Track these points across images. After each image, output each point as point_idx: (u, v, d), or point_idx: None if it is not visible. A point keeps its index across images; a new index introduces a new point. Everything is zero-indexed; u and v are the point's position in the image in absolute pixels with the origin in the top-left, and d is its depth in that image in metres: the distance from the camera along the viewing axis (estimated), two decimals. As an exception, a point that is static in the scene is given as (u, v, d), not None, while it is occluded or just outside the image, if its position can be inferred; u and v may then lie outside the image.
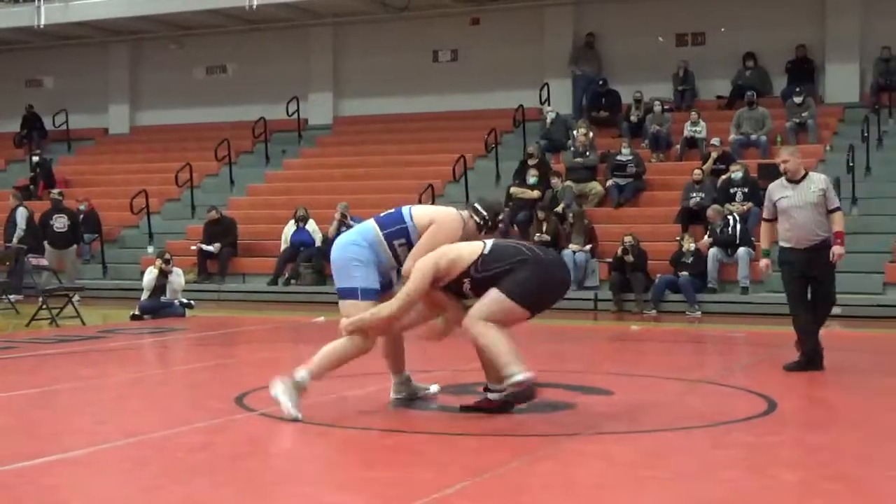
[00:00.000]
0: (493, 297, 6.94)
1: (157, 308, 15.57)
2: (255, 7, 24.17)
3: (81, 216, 21.32)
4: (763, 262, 10.23)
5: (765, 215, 10.01)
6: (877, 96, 21.36)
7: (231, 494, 5.25)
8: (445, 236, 7.13)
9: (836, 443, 6.49)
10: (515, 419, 7.25)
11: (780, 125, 20.91)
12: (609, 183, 19.96)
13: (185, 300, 15.91)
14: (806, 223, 9.52)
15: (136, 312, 15.57)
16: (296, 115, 25.60)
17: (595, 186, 20.05)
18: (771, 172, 19.27)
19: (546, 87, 23.53)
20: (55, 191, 21.47)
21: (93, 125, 28.41)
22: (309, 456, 6.09)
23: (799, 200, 9.51)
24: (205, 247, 20.36)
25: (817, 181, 9.64)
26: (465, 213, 7.41)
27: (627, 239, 17.22)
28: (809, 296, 9.84)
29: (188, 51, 27.73)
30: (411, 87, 25.32)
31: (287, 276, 19.70)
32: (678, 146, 21.15)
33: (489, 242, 7.12)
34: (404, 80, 25.41)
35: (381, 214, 7.49)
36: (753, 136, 20.43)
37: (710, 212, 17.55)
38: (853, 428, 7.02)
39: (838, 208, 9.65)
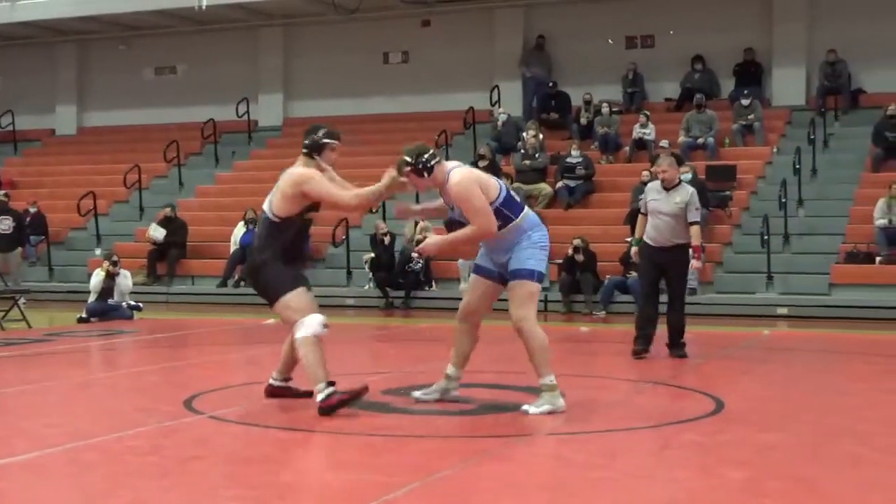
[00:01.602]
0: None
1: (105, 311, 15.43)
2: (204, 7, 23.98)
3: (28, 218, 21.09)
4: (633, 250, 11.06)
5: (641, 210, 10.92)
6: (823, 99, 21.59)
7: (179, 498, 5.21)
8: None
9: (785, 442, 6.54)
10: (465, 421, 7.26)
11: (727, 127, 21.09)
12: (559, 184, 20.03)
13: (132, 302, 15.78)
14: (665, 228, 10.46)
15: (84, 315, 15.42)
16: (245, 117, 25.49)
17: (544, 188, 20.12)
18: (719, 174, 19.53)
19: (496, 89, 23.58)
20: (0, 192, 21.22)
21: (40, 126, 28.13)
22: (257, 459, 6.05)
23: (664, 206, 10.44)
24: (154, 233, 20.27)
25: (682, 193, 10.47)
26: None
27: (577, 240, 17.29)
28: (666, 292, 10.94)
29: (137, 51, 27.51)
30: (362, 88, 25.28)
31: (236, 278, 19.59)
32: (627, 148, 21.27)
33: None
34: (355, 81, 25.36)
35: None
36: (701, 139, 20.57)
37: None
38: (802, 427, 7.08)
39: (696, 222, 10.46)
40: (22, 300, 15.57)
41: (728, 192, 19.18)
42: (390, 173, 7.35)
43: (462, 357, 7.80)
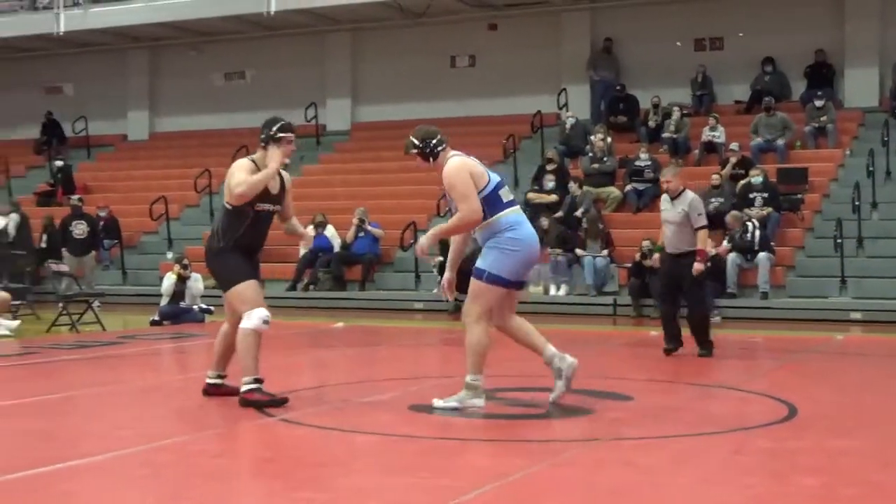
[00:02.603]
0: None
1: (177, 314, 15.61)
2: (273, 13, 24.21)
3: (102, 222, 21.39)
4: (655, 256, 11.96)
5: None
6: (896, 100, 21.27)
7: (250, 500, 5.25)
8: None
9: (858, 448, 6.44)
10: (534, 424, 7.24)
11: (798, 130, 20.83)
12: (627, 188, 19.93)
13: (204, 305, 15.94)
14: (672, 235, 11.08)
15: (156, 318, 15.61)
16: (314, 121, 25.65)
17: (613, 191, 20.03)
18: (790, 177, 19.30)
19: (564, 93, 23.49)
20: (75, 197, 21.55)
21: (112, 131, 28.52)
22: (328, 461, 6.08)
23: (670, 215, 11.04)
24: None
25: (683, 202, 10.97)
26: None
27: (646, 243, 17.17)
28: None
29: (207, 57, 27.80)
30: (429, 92, 25.32)
31: (306, 281, 19.71)
32: (696, 151, 21.08)
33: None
34: (422, 85, 25.42)
35: None
36: (777, 142, 20.32)
37: (729, 218, 17.49)
38: (875, 433, 6.98)
39: (702, 227, 10.95)
40: (96, 303, 15.80)
41: (800, 195, 18.95)
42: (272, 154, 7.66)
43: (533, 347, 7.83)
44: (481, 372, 7.43)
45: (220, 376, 8.09)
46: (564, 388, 7.69)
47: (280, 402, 7.54)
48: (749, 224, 17.36)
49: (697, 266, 10.95)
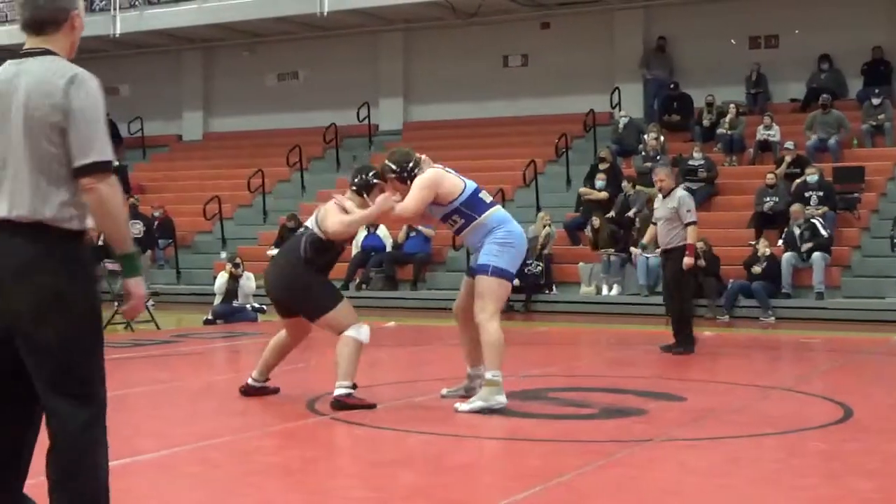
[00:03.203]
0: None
1: (230, 313, 15.72)
2: (325, 14, 24.31)
3: (156, 222, 21.59)
4: (635, 251, 12.48)
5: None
6: (955, 98, 20.97)
7: (303, 498, 5.27)
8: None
9: (915, 451, 6.36)
10: (585, 425, 7.22)
11: (855, 128, 20.60)
12: (681, 187, 19.76)
13: (256, 305, 16.04)
14: (662, 231, 11.47)
15: (210, 317, 15.73)
16: (366, 121, 25.73)
17: (666, 191, 19.88)
18: (846, 175, 19.08)
19: (617, 91, 23.38)
20: (130, 197, 21.77)
21: (167, 132, 28.79)
22: (379, 461, 6.09)
23: (661, 212, 11.44)
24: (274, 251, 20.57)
25: (674, 199, 11.30)
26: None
27: (699, 244, 17.03)
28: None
29: (260, 58, 27.98)
30: (481, 92, 25.30)
31: (358, 281, 19.77)
32: (751, 150, 20.90)
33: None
34: (474, 85, 25.40)
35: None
36: (830, 140, 20.11)
37: (795, 208, 17.31)
38: (932, 436, 6.88)
39: (691, 222, 11.27)
40: (151, 302, 15.94)
41: (856, 194, 18.72)
42: (382, 199, 7.56)
43: (469, 355, 7.90)
44: (501, 368, 7.44)
45: (266, 380, 8.16)
46: (463, 393, 7.84)
47: (370, 406, 7.57)
48: (815, 222, 17.15)
49: (688, 261, 11.24)
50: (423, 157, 7.83)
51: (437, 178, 7.59)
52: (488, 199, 7.74)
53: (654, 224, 11.85)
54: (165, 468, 5.93)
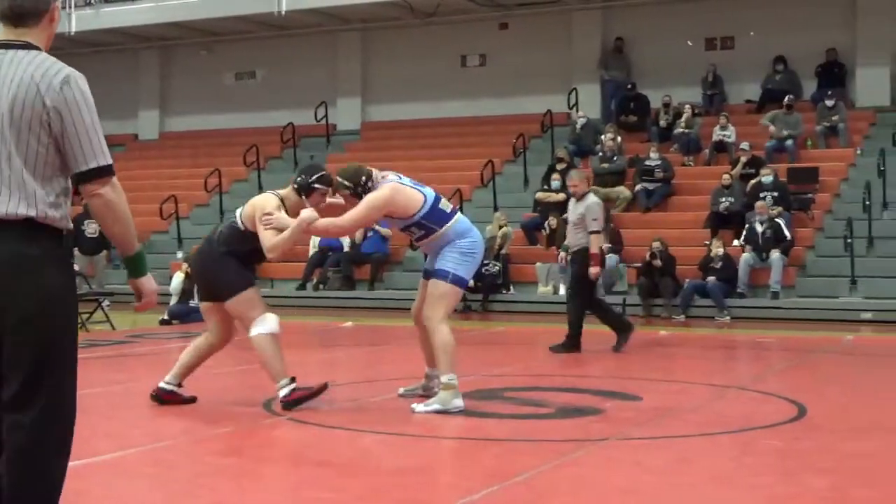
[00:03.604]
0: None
1: (186, 313, 15.63)
2: (283, 13, 24.24)
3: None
4: (561, 254, 12.68)
5: None
6: (908, 100, 21.21)
7: (258, 499, 5.25)
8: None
9: (869, 449, 6.42)
10: (541, 424, 7.24)
11: (809, 129, 20.79)
12: (637, 188, 19.89)
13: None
14: (570, 233, 11.88)
15: (166, 317, 15.63)
16: (324, 121, 25.67)
17: (623, 191, 20.00)
18: (800, 176, 19.25)
19: (574, 92, 23.47)
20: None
21: (123, 131, 28.56)
22: (335, 461, 6.08)
23: (572, 216, 11.82)
24: None
25: (583, 204, 11.57)
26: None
27: (656, 244, 17.15)
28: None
29: (217, 57, 27.85)
30: (439, 92, 25.32)
31: (315, 280, 19.73)
32: (707, 150, 21.04)
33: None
34: (433, 85, 25.42)
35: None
36: (788, 141, 20.26)
37: (760, 204, 17.43)
38: (886, 434, 6.95)
39: (593, 231, 11.49)
40: (106, 302, 15.82)
41: (810, 195, 18.90)
42: (305, 213, 7.45)
43: (429, 356, 7.93)
44: (455, 371, 7.46)
45: (178, 385, 7.89)
46: (421, 392, 7.94)
47: (321, 389, 7.52)
48: (780, 222, 17.28)
49: (593, 270, 11.50)
50: (375, 171, 7.75)
51: (389, 198, 7.46)
52: (448, 207, 7.69)
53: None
54: (122, 469, 5.89)
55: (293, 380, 7.49)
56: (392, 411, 7.61)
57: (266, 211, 7.43)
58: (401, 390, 8.07)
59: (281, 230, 7.38)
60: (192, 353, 7.88)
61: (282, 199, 7.62)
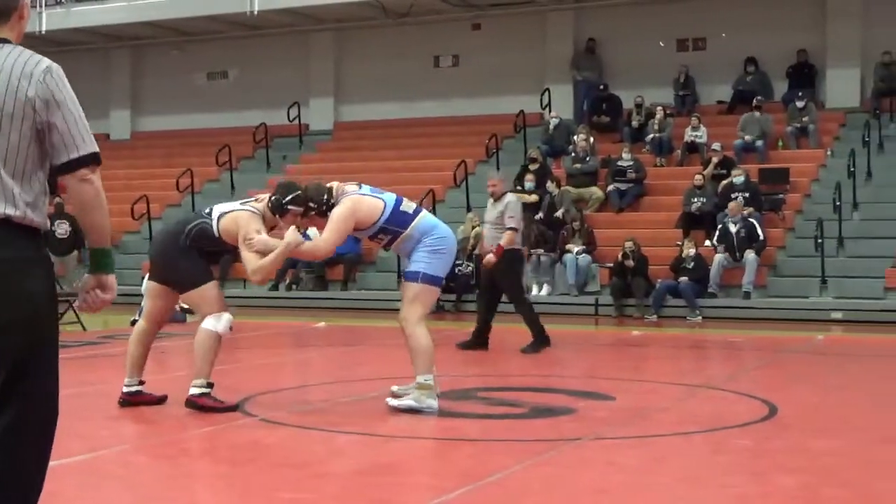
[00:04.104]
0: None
1: (158, 313, 15.53)
2: (255, 13, 24.17)
3: (82, 222, 21.27)
4: (488, 257, 12.18)
5: None
6: (877, 101, 21.33)
7: (232, 500, 5.25)
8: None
9: (840, 448, 6.47)
10: (515, 424, 7.25)
11: (780, 130, 20.91)
12: (610, 188, 19.94)
13: (185, 306, 15.86)
14: (488, 234, 11.92)
15: (137, 318, 15.52)
16: (297, 121, 25.61)
17: (595, 192, 20.05)
18: (771, 177, 19.36)
19: (547, 93, 23.52)
20: (56, 197, 21.46)
21: (94, 131, 26.69)
22: (310, 461, 6.08)
23: (489, 216, 11.90)
24: None
25: (502, 204, 11.68)
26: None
27: (628, 244, 17.21)
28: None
29: (189, 56, 27.75)
30: (412, 92, 25.32)
31: (289, 281, 19.69)
32: (679, 151, 21.13)
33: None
34: (405, 85, 25.42)
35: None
36: (758, 143, 20.36)
37: (733, 205, 17.50)
38: (856, 433, 7.00)
39: (511, 228, 11.57)
40: (77, 303, 15.73)
41: (781, 195, 19.00)
42: (290, 234, 7.53)
43: None
44: (431, 371, 7.47)
45: (140, 382, 7.84)
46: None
47: (230, 409, 7.46)
48: (753, 221, 17.36)
49: (489, 257, 11.58)
50: (335, 184, 7.74)
51: (353, 209, 7.51)
52: (411, 208, 7.70)
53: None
54: (93, 471, 5.87)
55: (210, 385, 7.46)
56: (366, 411, 7.62)
57: (248, 236, 7.43)
58: (394, 388, 8.05)
59: (265, 253, 7.38)
60: (136, 344, 7.86)
61: (263, 217, 7.62)
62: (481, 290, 12.43)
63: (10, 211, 3.51)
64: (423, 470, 5.92)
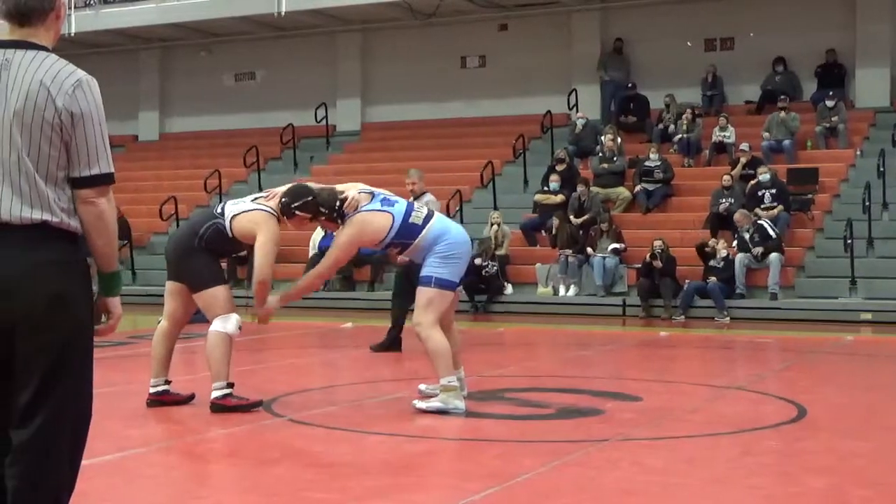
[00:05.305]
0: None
1: (186, 314, 15.59)
2: (283, 14, 24.24)
3: (111, 222, 21.39)
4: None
5: None
6: (908, 100, 21.19)
7: (259, 500, 5.26)
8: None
9: (868, 449, 6.43)
10: (543, 425, 7.24)
11: (809, 130, 20.79)
12: (637, 188, 19.88)
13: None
14: None
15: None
16: (324, 122, 25.66)
17: (622, 192, 20.00)
18: (800, 177, 19.25)
19: (574, 93, 23.47)
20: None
21: (123, 132, 28.54)
22: (337, 462, 6.09)
23: None
24: None
25: (421, 201, 10.97)
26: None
27: (657, 244, 17.16)
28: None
29: (217, 57, 27.84)
30: (439, 93, 25.32)
31: (315, 282, 19.70)
32: (707, 151, 21.04)
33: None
34: (432, 86, 25.42)
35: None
36: (785, 143, 20.26)
37: (738, 216, 17.44)
38: (885, 434, 6.96)
39: None
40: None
41: (810, 196, 18.90)
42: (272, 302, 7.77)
43: (454, 357, 7.89)
44: (453, 373, 7.49)
45: (166, 382, 7.90)
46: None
47: (255, 405, 7.53)
48: (763, 223, 17.28)
49: (401, 258, 11.23)
50: (351, 192, 7.72)
51: (360, 231, 7.58)
52: (421, 218, 7.69)
53: None
54: (122, 470, 5.90)
55: (231, 386, 7.51)
56: (393, 412, 7.62)
57: (268, 227, 7.49)
58: (422, 387, 8.05)
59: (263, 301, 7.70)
60: (159, 344, 7.92)
61: (277, 217, 7.65)
62: (395, 289, 12.09)
63: (46, 216, 3.52)
64: (450, 471, 5.92)
